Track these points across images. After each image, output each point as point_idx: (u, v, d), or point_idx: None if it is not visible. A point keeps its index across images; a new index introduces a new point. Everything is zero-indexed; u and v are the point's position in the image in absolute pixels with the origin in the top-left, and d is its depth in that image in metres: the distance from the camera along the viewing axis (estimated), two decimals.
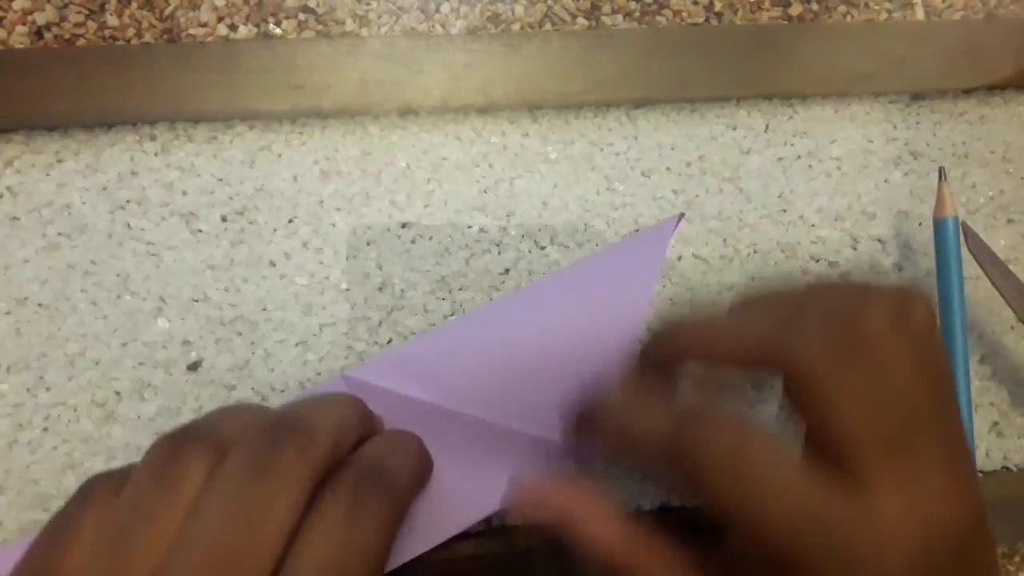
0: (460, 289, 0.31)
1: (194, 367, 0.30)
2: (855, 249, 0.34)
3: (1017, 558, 0.36)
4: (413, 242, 0.32)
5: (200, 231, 0.31)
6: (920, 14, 0.35)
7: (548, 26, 0.33)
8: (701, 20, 0.34)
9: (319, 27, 0.32)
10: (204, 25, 0.32)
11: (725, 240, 0.33)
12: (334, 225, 0.31)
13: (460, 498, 0.25)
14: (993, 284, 0.31)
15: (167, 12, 0.32)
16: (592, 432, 0.22)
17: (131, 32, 0.31)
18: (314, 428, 0.20)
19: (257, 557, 0.18)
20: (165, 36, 0.32)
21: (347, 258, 0.31)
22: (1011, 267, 0.32)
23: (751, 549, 0.18)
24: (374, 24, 0.33)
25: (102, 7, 0.31)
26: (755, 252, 0.33)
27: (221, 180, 0.31)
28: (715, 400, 0.20)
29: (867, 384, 0.18)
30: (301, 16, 0.32)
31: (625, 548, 0.20)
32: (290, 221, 0.31)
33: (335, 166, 0.32)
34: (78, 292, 0.30)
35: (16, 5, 0.31)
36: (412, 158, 0.32)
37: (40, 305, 0.30)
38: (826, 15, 0.35)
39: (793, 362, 0.19)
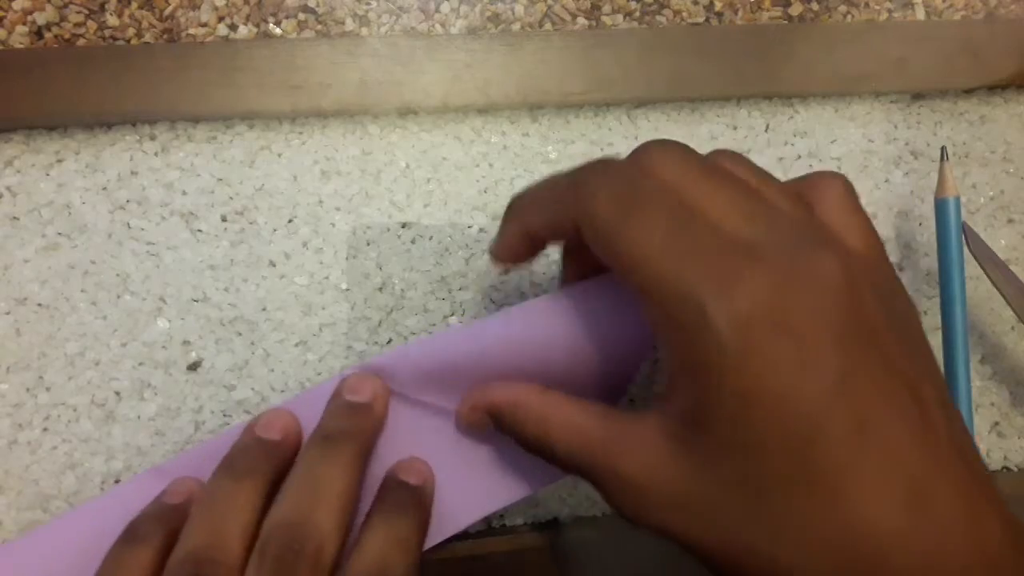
0: (460, 289, 0.31)
1: (194, 367, 0.30)
2: None
3: None
4: (413, 242, 0.32)
5: (200, 231, 0.31)
6: (920, 14, 0.35)
7: (548, 26, 0.33)
8: (701, 20, 0.34)
9: (319, 27, 0.32)
10: (204, 25, 0.32)
11: None
12: (334, 225, 0.31)
13: (459, 498, 0.25)
14: (993, 284, 0.31)
15: (167, 12, 0.32)
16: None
17: (131, 32, 0.31)
18: (321, 540, 0.21)
19: None
20: (165, 36, 0.31)
21: (347, 258, 0.31)
22: (1011, 267, 0.32)
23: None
24: (374, 24, 0.33)
25: (102, 7, 0.31)
26: None
27: (221, 180, 0.31)
28: None
29: (651, 218, 0.19)
30: (301, 16, 0.32)
31: (544, 411, 0.22)
32: (290, 221, 0.31)
33: (335, 166, 0.32)
34: (78, 292, 0.30)
35: (16, 5, 0.31)
36: (412, 158, 0.32)
37: (40, 305, 0.30)
38: (826, 15, 0.35)
39: (587, 210, 0.20)
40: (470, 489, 0.25)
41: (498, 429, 0.24)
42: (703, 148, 0.34)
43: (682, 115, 0.34)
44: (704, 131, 0.34)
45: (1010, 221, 0.35)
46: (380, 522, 0.23)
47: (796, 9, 0.35)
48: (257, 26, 0.32)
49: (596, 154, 0.33)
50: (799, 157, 0.34)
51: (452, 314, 0.31)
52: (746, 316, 0.17)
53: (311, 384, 0.30)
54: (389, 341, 0.31)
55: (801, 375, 0.17)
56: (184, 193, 0.31)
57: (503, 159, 0.32)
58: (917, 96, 0.35)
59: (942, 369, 0.31)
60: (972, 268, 0.31)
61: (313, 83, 0.30)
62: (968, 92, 0.35)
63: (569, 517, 0.31)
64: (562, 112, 0.33)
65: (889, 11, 0.35)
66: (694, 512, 0.18)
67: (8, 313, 0.30)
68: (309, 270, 0.31)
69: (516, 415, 0.22)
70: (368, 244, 0.31)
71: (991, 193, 0.35)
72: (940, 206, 0.31)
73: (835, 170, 0.25)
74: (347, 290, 0.31)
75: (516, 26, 0.33)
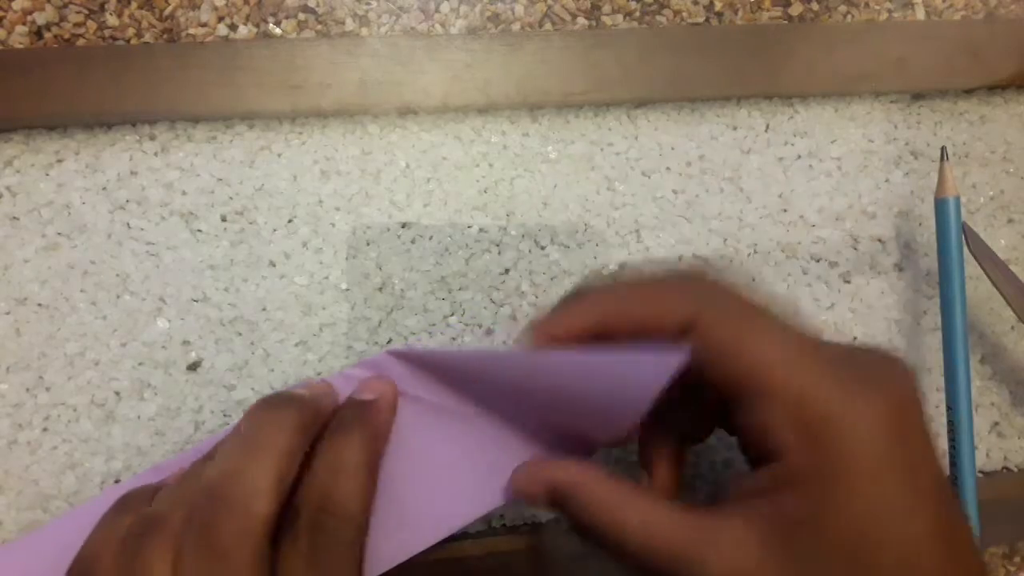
0: (460, 289, 0.31)
1: (194, 367, 0.30)
2: (855, 249, 0.34)
3: (1017, 558, 0.36)
4: (413, 242, 0.32)
5: (200, 231, 0.31)
6: (920, 14, 0.35)
7: (548, 26, 0.33)
8: (701, 20, 0.34)
9: (319, 27, 0.32)
10: (204, 25, 0.32)
11: (725, 240, 0.33)
12: (334, 225, 0.31)
13: (460, 494, 0.25)
14: (993, 284, 0.31)
15: (167, 12, 0.32)
16: None
17: (131, 32, 0.31)
18: (248, 496, 0.21)
19: None
20: (165, 36, 0.31)
21: (347, 258, 0.31)
22: (1011, 267, 0.32)
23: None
24: (374, 24, 0.33)
25: (102, 7, 0.31)
26: (755, 252, 0.33)
27: (221, 180, 0.31)
28: None
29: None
30: (301, 16, 0.32)
31: (613, 504, 0.21)
32: (290, 221, 0.31)
33: (335, 166, 0.32)
34: (78, 292, 0.30)
35: (16, 5, 0.31)
36: (412, 158, 0.32)
37: (40, 305, 0.30)
38: (826, 15, 0.35)
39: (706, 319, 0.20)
40: (470, 485, 0.25)
41: (552, 507, 0.22)
42: (703, 148, 0.34)
43: (682, 115, 0.34)
44: (704, 131, 0.34)
45: (1010, 221, 0.35)
46: (323, 448, 0.23)
47: (796, 9, 0.35)
48: (257, 26, 0.32)
49: (596, 154, 0.33)
50: (799, 157, 0.34)
51: (452, 314, 0.31)
52: (882, 430, 0.18)
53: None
54: (389, 341, 0.31)
55: (911, 514, 0.18)
56: (184, 193, 0.31)
57: (503, 159, 0.32)
58: (917, 96, 0.35)
59: (942, 369, 0.31)
60: (972, 268, 0.31)
61: (313, 83, 0.30)
62: (968, 92, 0.35)
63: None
64: (562, 112, 0.33)
65: (889, 11, 0.35)
66: None
67: (8, 313, 0.30)
68: (309, 270, 0.31)
69: (579, 499, 0.21)
70: (368, 244, 0.31)
71: (991, 193, 0.35)
72: (940, 206, 0.31)
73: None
74: (347, 290, 0.31)
75: (516, 26, 0.33)
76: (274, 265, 0.31)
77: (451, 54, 0.31)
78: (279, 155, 0.31)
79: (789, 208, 0.34)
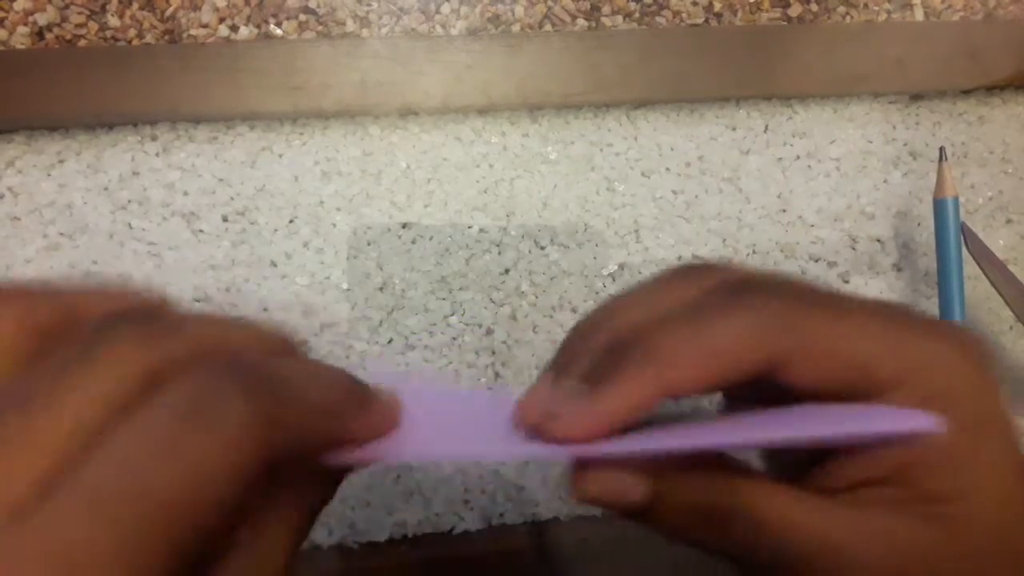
0: (460, 289, 0.31)
1: None
2: (854, 249, 0.34)
3: None
4: (413, 242, 0.32)
5: (201, 231, 0.31)
6: (919, 14, 0.36)
7: (548, 27, 0.34)
8: (701, 21, 0.34)
9: (320, 28, 0.32)
10: (205, 26, 0.32)
11: (724, 240, 0.33)
12: (335, 225, 0.31)
13: (475, 427, 0.21)
14: (992, 284, 0.31)
15: (168, 13, 0.32)
16: None
17: (132, 33, 0.31)
18: (293, 399, 0.13)
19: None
20: (166, 37, 0.32)
21: (348, 258, 0.31)
22: (1010, 267, 0.32)
23: None
24: (375, 25, 0.33)
25: (103, 8, 0.31)
26: (754, 252, 0.33)
27: (222, 180, 0.31)
28: None
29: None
30: (302, 17, 0.32)
31: None
32: (291, 221, 0.31)
33: (336, 166, 0.32)
34: None
35: (17, 6, 0.31)
36: (412, 159, 0.32)
37: None
38: (825, 15, 0.35)
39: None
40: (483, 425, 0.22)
41: (703, 532, 0.16)
42: (703, 148, 0.34)
43: (681, 116, 0.34)
44: (703, 132, 0.34)
45: (1008, 221, 0.35)
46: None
47: (795, 10, 0.35)
48: (258, 27, 0.32)
49: (596, 155, 0.33)
50: (798, 158, 0.34)
51: (452, 314, 0.31)
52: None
53: None
54: (390, 341, 0.31)
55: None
56: (185, 193, 0.31)
57: (503, 160, 0.33)
58: (916, 97, 0.35)
59: None
60: (971, 268, 0.31)
61: (314, 84, 0.31)
62: (966, 93, 0.36)
63: (568, 517, 0.31)
64: (562, 113, 0.33)
65: (888, 12, 0.35)
66: None
67: None
68: (310, 270, 0.31)
69: (752, 518, 0.16)
70: (369, 244, 0.31)
71: (989, 193, 0.35)
72: (939, 206, 0.31)
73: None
74: (348, 290, 0.31)
75: (516, 27, 0.33)
76: (275, 265, 0.31)
77: (451, 55, 0.31)
78: (280, 156, 0.32)
79: (788, 208, 0.34)
